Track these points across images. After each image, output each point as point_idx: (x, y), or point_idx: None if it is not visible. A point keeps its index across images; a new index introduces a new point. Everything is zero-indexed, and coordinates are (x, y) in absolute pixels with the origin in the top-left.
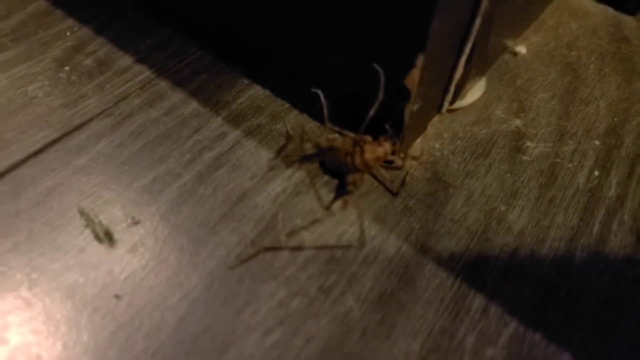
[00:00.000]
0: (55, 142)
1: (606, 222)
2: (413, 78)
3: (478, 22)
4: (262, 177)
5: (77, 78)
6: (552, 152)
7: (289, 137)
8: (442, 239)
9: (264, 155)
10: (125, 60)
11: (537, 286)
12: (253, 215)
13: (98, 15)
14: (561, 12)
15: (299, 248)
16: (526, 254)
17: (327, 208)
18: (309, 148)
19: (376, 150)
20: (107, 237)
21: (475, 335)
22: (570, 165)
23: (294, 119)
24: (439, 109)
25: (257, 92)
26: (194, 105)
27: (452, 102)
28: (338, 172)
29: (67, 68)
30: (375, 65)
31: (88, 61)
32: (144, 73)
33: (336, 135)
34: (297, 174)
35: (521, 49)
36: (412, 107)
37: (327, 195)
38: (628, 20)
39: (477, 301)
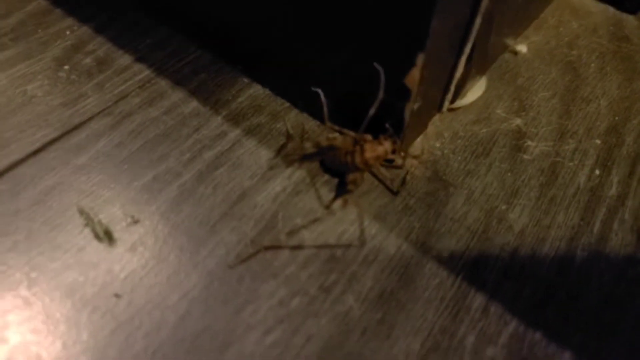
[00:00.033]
0: (54, 141)
1: (607, 221)
2: (413, 77)
3: (478, 21)
4: (262, 176)
5: (76, 77)
6: (553, 151)
7: (289, 136)
8: (443, 238)
9: (264, 154)
10: (125, 59)
11: (537, 285)
12: (253, 214)
13: (97, 15)
14: (562, 11)
15: (299, 247)
16: (527, 253)
17: (327, 207)
18: (309, 147)
19: (376, 149)
20: (106, 236)
21: (475, 335)
22: (571, 164)
23: (294, 118)
24: (439, 108)
25: (257, 91)
26: (193, 104)
27: (452, 101)
28: (338, 171)
29: (66, 67)
30: (376, 64)
31: (87, 60)
32: (144, 72)
33: (336, 134)
34: (297, 173)
35: (522, 48)
36: (413, 106)
37: (327, 194)
38: (629, 19)
39: (477, 300)
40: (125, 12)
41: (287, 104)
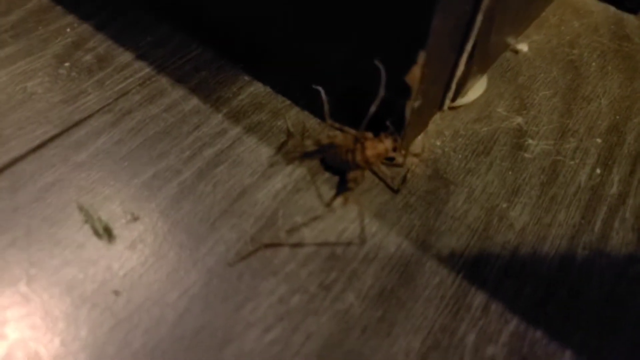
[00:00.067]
0: (54, 138)
1: (608, 219)
2: (414, 75)
3: (479, 19)
4: (263, 174)
5: (77, 74)
6: (554, 149)
7: (289, 134)
8: (443, 237)
9: (265, 152)
10: (126, 56)
11: (538, 284)
12: (253, 212)
13: (98, 12)
14: (563, 10)
15: (299, 245)
16: (527, 252)
17: (328, 205)
18: (309, 145)
19: (377, 147)
20: (106, 233)
21: (475, 333)
22: (572, 162)
23: (294, 116)
24: (440, 106)
25: (257, 88)
26: (194, 101)
27: (453, 100)
28: (339, 169)
29: (67, 64)
30: (377, 62)
31: (88, 57)
32: (144, 69)
33: (337, 132)
34: (298, 171)
35: (523, 47)
36: (413, 104)
37: (327, 192)
38: (629, 18)
39: (478, 299)
40: (126, 10)
41: (287, 102)
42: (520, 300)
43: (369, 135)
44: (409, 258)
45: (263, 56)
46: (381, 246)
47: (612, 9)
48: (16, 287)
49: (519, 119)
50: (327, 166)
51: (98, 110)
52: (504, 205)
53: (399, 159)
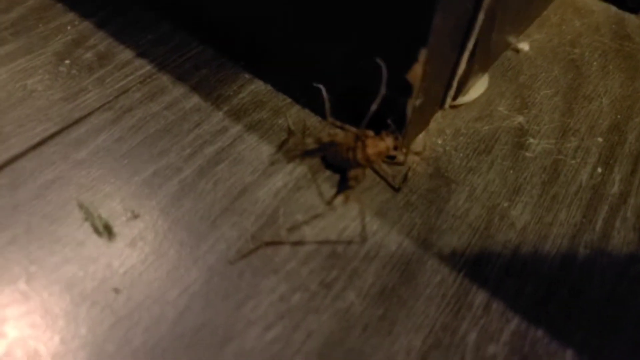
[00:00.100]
0: (54, 135)
1: (609, 219)
2: (415, 72)
3: (481, 17)
4: (264, 172)
5: (77, 72)
6: (555, 148)
7: (290, 132)
8: (444, 235)
9: (265, 150)
10: (126, 54)
11: (539, 283)
12: (254, 210)
13: (99, 10)
14: (564, 10)
15: (300, 243)
16: (528, 251)
17: (329, 203)
18: (310, 143)
19: (378, 145)
20: (106, 231)
21: (477, 332)
22: (573, 162)
23: (295, 114)
24: (441, 105)
25: (258, 86)
26: (195, 99)
27: (454, 98)
28: (340, 167)
29: (67, 62)
30: (378, 60)
31: (88, 55)
32: (145, 67)
33: (338, 130)
34: (299, 169)
35: (524, 46)
36: (415, 102)
37: (328, 190)
38: (630, 18)
39: (479, 297)
40: (127, 8)
41: (288, 100)
42: (522, 299)
43: (370, 133)
44: (410, 256)
45: (263, 56)
46: (382, 244)
47: (613, 8)
48: (16, 285)
49: (520, 118)
50: (328, 164)
51: (98, 108)
52: (505, 204)
53: (400, 157)
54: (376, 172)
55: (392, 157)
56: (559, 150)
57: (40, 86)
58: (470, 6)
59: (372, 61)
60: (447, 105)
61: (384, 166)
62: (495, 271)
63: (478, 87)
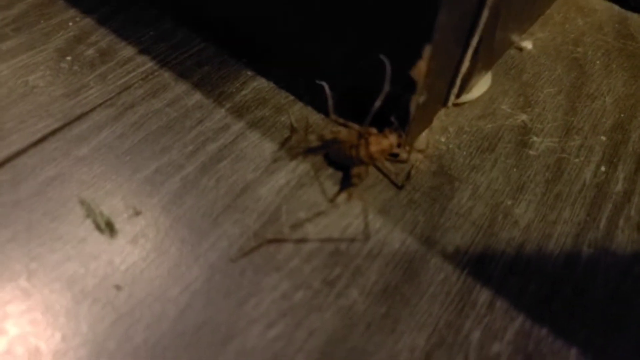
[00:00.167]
0: (56, 131)
1: (613, 217)
2: (419, 69)
3: (485, 14)
4: (266, 169)
5: (79, 68)
6: (559, 147)
7: (293, 129)
8: (448, 233)
9: (268, 147)
10: (128, 50)
11: (543, 281)
12: (256, 207)
13: (101, 6)
14: (567, 8)
15: (302, 240)
16: (532, 249)
17: (332, 200)
18: (313, 140)
19: (381, 142)
20: (108, 228)
21: (481, 330)
22: (576, 160)
23: (298, 111)
24: (444, 103)
25: (261, 84)
26: (197, 96)
27: (458, 96)
28: (342, 164)
29: (69, 58)
30: (381, 56)
31: (90, 51)
32: (147, 64)
33: (341, 128)
34: (301, 166)
35: (527, 44)
36: (418, 99)
37: (331, 187)
38: (633, 17)
39: (483, 296)
40: (129, 5)
41: (291, 97)
42: (526, 297)
43: (373, 130)
44: (414, 254)
45: (264, 55)
46: (385, 242)
47: (617, 7)
48: (17, 282)
49: (524, 116)
50: (331, 162)
51: (100, 104)
52: (509, 202)
53: (403, 155)
54: (379, 169)
55: (395, 155)
56: (563, 149)
57: (41, 82)
58: (475, 3)
59: (374, 60)
60: (450, 103)
61: (387, 164)
62: (498, 269)
63: (481, 85)
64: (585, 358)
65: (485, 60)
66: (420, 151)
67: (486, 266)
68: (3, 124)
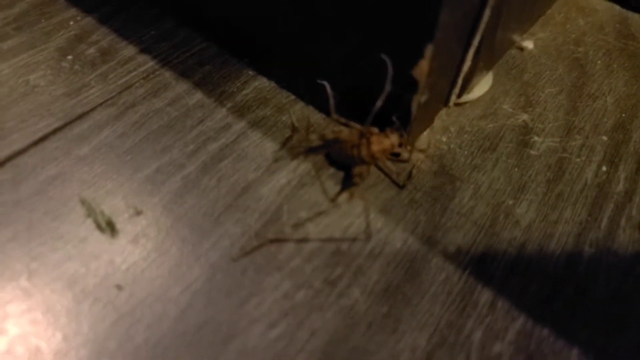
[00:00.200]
0: (56, 131)
1: (614, 217)
2: (421, 69)
3: (487, 14)
4: (267, 169)
5: (80, 67)
6: (560, 146)
7: (294, 129)
8: (449, 233)
9: (269, 147)
10: (129, 50)
11: (544, 281)
12: (258, 207)
13: (102, 5)
14: (568, 8)
15: (304, 240)
16: (534, 249)
17: (333, 200)
18: (314, 140)
19: (383, 142)
20: (109, 227)
21: (482, 330)
22: (578, 160)
23: (299, 111)
24: (446, 102)
25: (262, 83)
26: (198, 96)
27: (459, 96)
28: (344, 164)
29: (70, 57)
30: (383, 56)
31: (91, 50)
32: (148, 63)
33: (342, 127)
34: (303, 166)
35: (528, 44)
36: (420, 98)
37: (332, 187)
38: (634, 17)
39: (485, 296)
40: (130, 4)
41: (292, 97)
42: (527, 297)
43: (375, 130)
44: (415, 254)
45: (268, 51)
46: (387, 242)
47: (617, 7)
48: (17, 282)
49: (525, 116)
50: (332, 161)
51: (101, 104)
52: (510, 202)
53: (405, 155)
54: (380, 169)
55: (397, 155)
56: (564, 149)
57: (42, 81)
58: (476, 2)
59: (375, 60)
60: (451, 103)
61: (389, 163)
62: (500, 269)
63: (483, 85)
64: (586, 358)
65: (486, 60)
66: (421, 151)
67: (487, 266)
68: (4, 123)
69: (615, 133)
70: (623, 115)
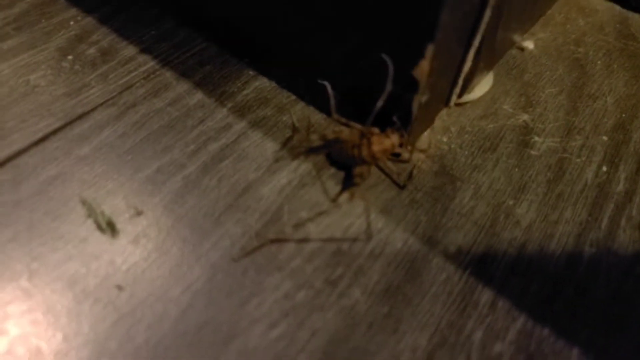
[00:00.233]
0: (57, 131)
1: (615, 217)
2: (422, 69)
3: (487, 14)
4: (268, 169)
5: (80, 67)
6: (560, 147)
7: (295, 129)
8: (449, 233)
9: (270, 147)
10: (130, 50)
11: (545, 281)
12: (258, 207)
13: (102, 5)
14: (569, 9)
15: (304, 240)
16: (534, 249)
17: (334, 200)
18: (315, 140)
19: (383, 142)
20: (109, 228)
21: (483, 330)
22: (578, 160)
23: (300, 111)
24: (446, 102)
25: (263, 83)
26: (198, 96)
27: (460, 96)
28: (345, 164)
29: (70, 57)
30: (384, 56)
31: (92, 50)
32: (149, 63)
33: (343, 127)
34: (303, 166)
35: (529, 44)
36: (421, 98)
37: (333, 187)
38: (634, 17)
39: (485, 296)
40: (130, 4)
41: (293, 97)
42: (527, 297)
43: (376, 130)
44: (416, 254)
45: (268, 51)
46: (387, 242)
47: (618, 7)
48: (17, 282)
49: (525, 116)
50: (333, 161)
51: (102, 104)
52: (511, 202)
53: (405, 155)
54: (381, 169)
55: (397, 155)
56: (564, 149)
57: (43, 81)
58: (477, 3)
59: (376, 58)
60: (452, 103)
61: (389, 163)
62: (500, 269)
63: (483, 85)
64: (587, 358)
65: (487, 59)
66: (422, 151)
67: (488, 266)
68: (4, 123)
69: (615, 133)
70: (623, 115)
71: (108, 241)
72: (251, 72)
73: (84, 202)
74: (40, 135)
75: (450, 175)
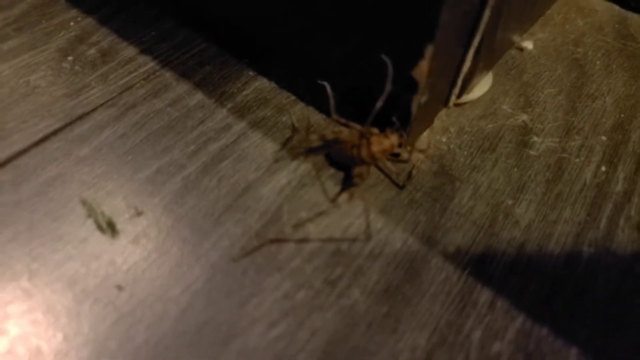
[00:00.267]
0: (57, 131)
1: (613, 217)
2: (421, 69)
3: (487, 14)
4: (268, 169)
5: (80, 68)
6: (559, 147)
7: (294, 129)
8: (449, 233)
9: (270, 147)
10: (130, 50)
11: (543, 281)
12: (258, 207)
13: (102, 6)
14: (568, 9)
15: (304, 240)
16: (533, 249)
17: (333, 200)
18: (314, 140)
19: (383, 142)
20: (109, 228)
21: (481, 330)
22: (577, 160)
23: (299, 112)
24: (446, 103)
25: (262, 84)
26: (198, 96)
27: (459, 96)
28: (344, 164)
29: (70, 58)
30: (383, 56)
31: (92, 51)
32: (149, 64)
33: (342, 128)
34: (303, 166)
35: (528, 45)
36: (420, 99)
37: (332, 187)
38: (634, 17)
39: (484, 295)
40: (130, 4)
41: (292, 97)
42: (526, 297)
43: (375, 130)
44: (415, 254)
45: (268, 52)
46: (387, 242)
47: (617, 7)
48: (18, 282)
49: (524, 116)
50: (332, 162)
51: (102, 104)
52: (510, 202)
53: (405, 155)
54: (380, 169)
55: (397, 155)
56: (563, 149)
57: (43, 82)
58: (476, 3)
59: (376, 58)
60: (451, 103)
61: (389, 164)
62: (499, 269)
63: (482, 85)
64: (585, 358)
65: (486, 59)
66: (421, 151)
67: (487, 266)
68: (4, 123)
69: (614, 133)
70: (622, 115)
71: (108, 241)
72: (251, 73)
73: (84, 203)
74: (40, 136)
75: (449, 175)
